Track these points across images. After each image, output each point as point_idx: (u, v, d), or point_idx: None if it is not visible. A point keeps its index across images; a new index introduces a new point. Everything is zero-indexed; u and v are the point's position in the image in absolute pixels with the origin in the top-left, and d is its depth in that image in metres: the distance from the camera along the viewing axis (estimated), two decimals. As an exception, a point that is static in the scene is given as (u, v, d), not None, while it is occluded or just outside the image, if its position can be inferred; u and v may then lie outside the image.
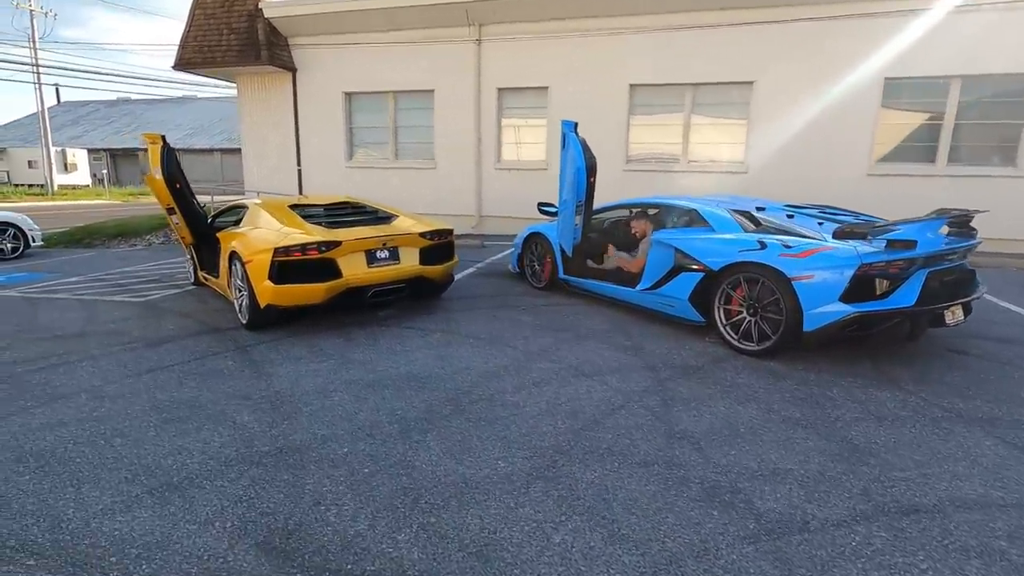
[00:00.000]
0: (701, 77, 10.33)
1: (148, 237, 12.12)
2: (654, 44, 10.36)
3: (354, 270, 4.87)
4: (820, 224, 4.39)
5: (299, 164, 13.11)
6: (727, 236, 4.47)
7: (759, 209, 4.79)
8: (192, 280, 7.06)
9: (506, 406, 3.42)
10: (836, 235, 4.00)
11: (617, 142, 10.93)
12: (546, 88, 11.22)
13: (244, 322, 5.07)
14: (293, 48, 12.52)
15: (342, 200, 6.12)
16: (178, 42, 12.51)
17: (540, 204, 6.53)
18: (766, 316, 4.16)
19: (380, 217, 5.68)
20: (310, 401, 3.52)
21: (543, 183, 11.46)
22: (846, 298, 3.78)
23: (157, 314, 5.73)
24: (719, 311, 4.47)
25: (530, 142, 11.67)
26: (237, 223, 6.36)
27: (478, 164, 11.86)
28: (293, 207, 5.60)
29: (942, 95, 9.39)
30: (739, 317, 4.35)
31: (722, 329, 4.46)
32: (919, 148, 9.72)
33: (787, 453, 2.85)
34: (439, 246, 5.45)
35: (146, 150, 5.73)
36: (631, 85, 10.75)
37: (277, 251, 4.58)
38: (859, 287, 3.78)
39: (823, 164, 9.96)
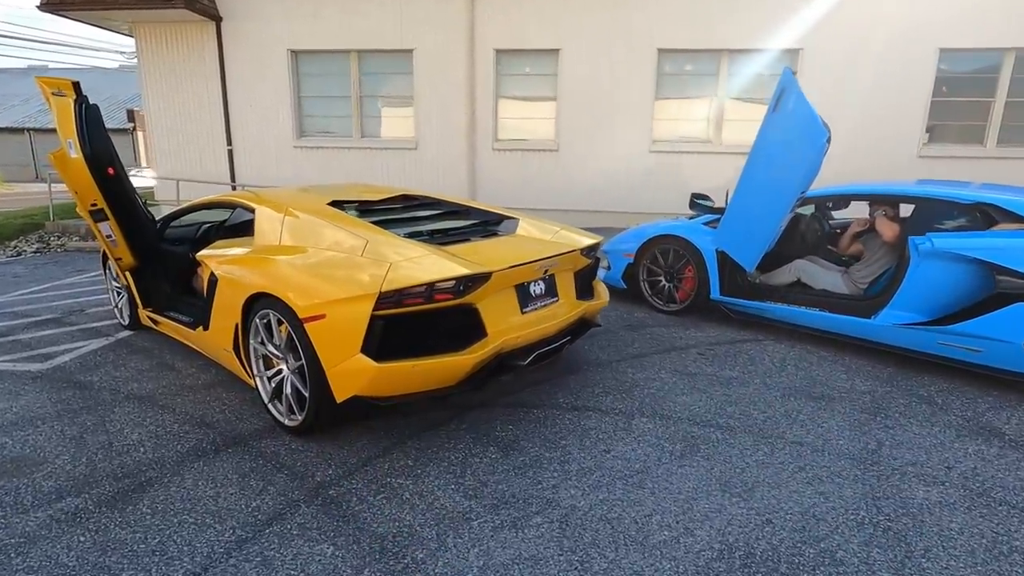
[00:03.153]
0: (737, 42, 8.84)
1: (16, 243, 8.69)
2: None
3: (504, 322, 2.72)
4: None
5: (229, 143, 10.12)
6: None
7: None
8: (127, 322, 4.42)
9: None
10: None
11: (642, 119, 9.23)
12: (556, 51, 9.23)
13: (291, 423, 2.75)
14: (217, -11, 9.50)
15: (401, 193, 3.85)
16: (44, -28, 9.01)
17: (694, 195, 4.63)
18: None
19: (489, 222, 3.50)
20: None
21: (553, 167, 9.56)
22: None
23: (89, 401, 3.19)
24: (1095, 363, 2.89)
25: (536, 117, 9.64)
26: (229, 234, 3.95)
27: (471, 144, 9.66)
28: (337, 204, 3.26)
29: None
30: None
31: (1101, 391, 2.88)
32: (974, 128, 8.92)
33: None
34: (592, 267, 3.42)
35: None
36: (660, 50, 9.05)
37: (383, 298, 2.34)
38: None
39: (869, 147, 8.91)
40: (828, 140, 3.43)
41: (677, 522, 2.11)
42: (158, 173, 10.03)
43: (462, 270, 2.47)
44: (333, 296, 2.44)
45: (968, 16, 8.30)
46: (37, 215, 10.21)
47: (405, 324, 2.44)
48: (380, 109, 9.96)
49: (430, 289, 2.40)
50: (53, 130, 3.56)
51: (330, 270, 2.59)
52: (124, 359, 3.85)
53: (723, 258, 4.30)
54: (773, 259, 4.44)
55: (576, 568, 1.88)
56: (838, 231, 4.66)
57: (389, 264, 2.46)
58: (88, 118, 3.40)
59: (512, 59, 9.43)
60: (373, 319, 2.36)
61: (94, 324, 4.62)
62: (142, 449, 2.68)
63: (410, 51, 9.45)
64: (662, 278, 4.75)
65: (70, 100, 3.39)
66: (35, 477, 2.45)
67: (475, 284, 2.52)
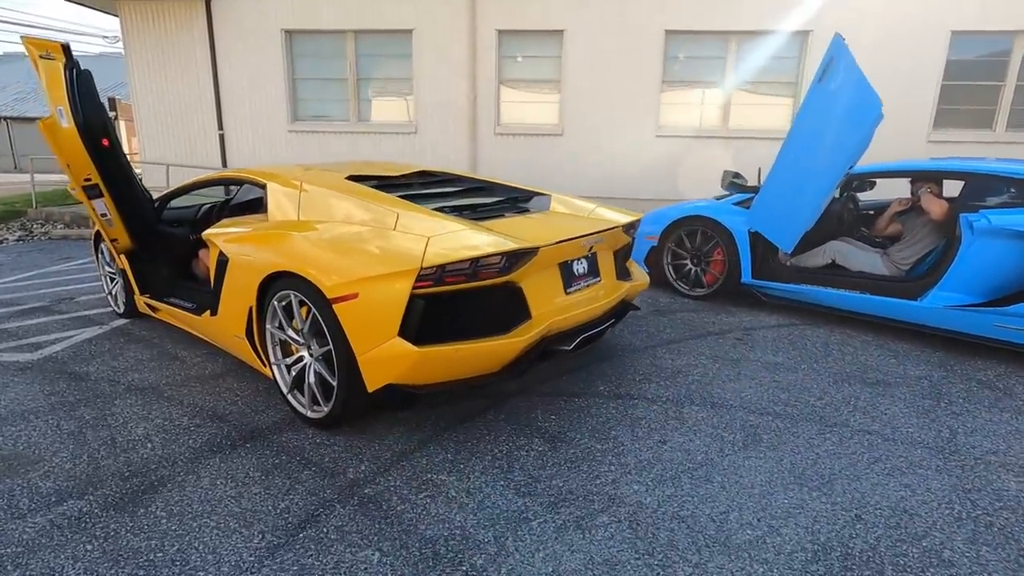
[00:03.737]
0: (746, 24, 8.62)
1: (-4, 231, 8.27)
2: (699, -21, 8.49)
3: (548, 303, 2.49)
4: None
5: (220, 127, 9.75)
6: None
7: None
8: (122, 310, 4.13)
9: None
10: None
11: (648, 103, 9.00)
12: (561, 32, 8.96)
13: (314, 415, 2.50)
14: (205, -35, 9.10)
15: (418, 169, 3.59)
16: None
17: (728, 173, 4.41)
18: None
19: (519, 199, 3.25)
20: None
21: (557, 152, 9.31)
22: None
23: (87, 393, 2.92)
24: None
25: (540, 101, 9.37)
26: (235, 212, 3.69)
27: (472, 128, 9.38)
28: (354, 179, 3.00)
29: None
30: None
31: None
32: (983, 113, 8.81)
33: None
34: (629, 246, 3.20)
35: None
36: (667, 31, 8.81)
37: (424, 275, 2.10)
38: None
39: (879, 130, 8.74)
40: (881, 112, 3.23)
41: (758, 520, 1.91)
42: (143, 158, 9.62)
43: (509, 244, 2.23)
44: (366, 273, 2.19)
45: (980, -1, 8.17)
46: (18, 202, 9.78)
47: (446, 304, 2.21)
48: (378, 92, 9.64)
49: (474, 265, 2.17)
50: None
51: (361, 245, 2.34)
52: (121, 348, 3.56)
53: (755, 240, 4.10)
54: (804, 241, 4.24)
55: (658, 573, 1.67)
56: (870, 211, 4.49)
57: (428, 238, 2.21)
58: (80, 84, 3.11)
59: (515, 40, 9.14)
60: (412, 298, 2.12)
61: (86, 312, 4.32)
62: (150, 445, 2.42)
63: (409, 31, 9.13)
64: (688, 261, 4.55)
65: (59, 64, 3.09)
66: (31, 477, 2.19)
67: (521, 260, 2.29)
